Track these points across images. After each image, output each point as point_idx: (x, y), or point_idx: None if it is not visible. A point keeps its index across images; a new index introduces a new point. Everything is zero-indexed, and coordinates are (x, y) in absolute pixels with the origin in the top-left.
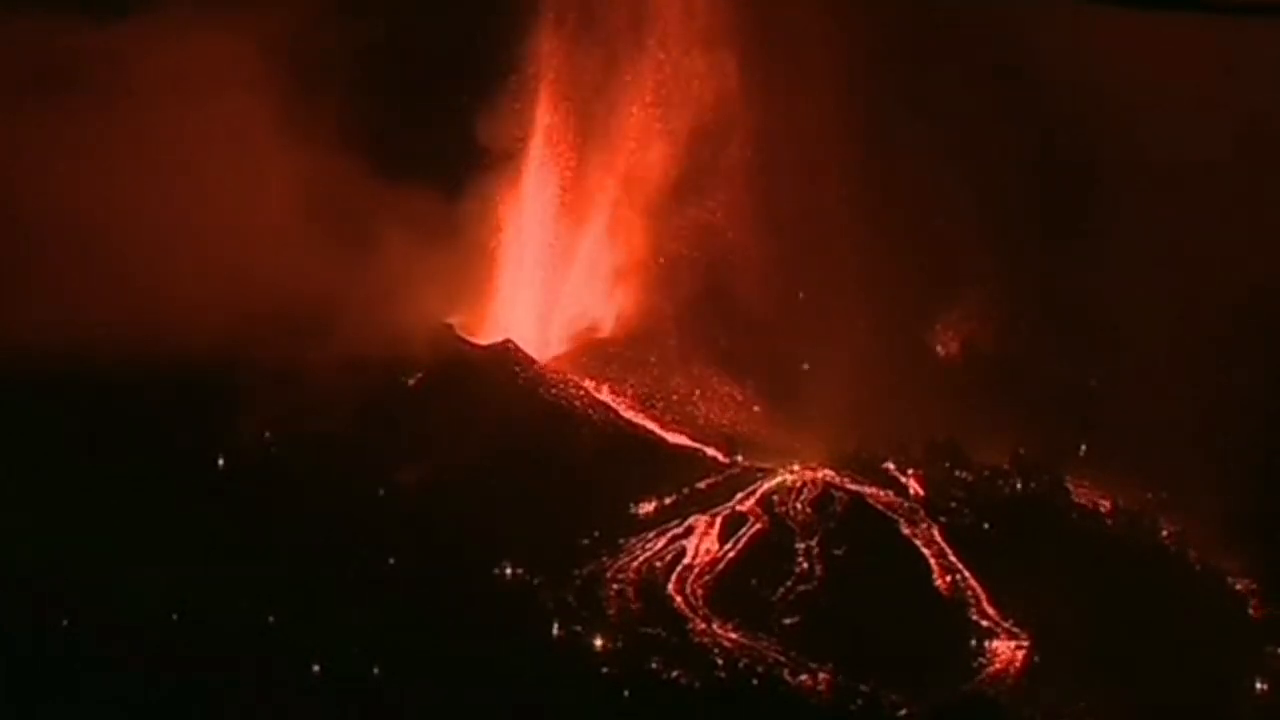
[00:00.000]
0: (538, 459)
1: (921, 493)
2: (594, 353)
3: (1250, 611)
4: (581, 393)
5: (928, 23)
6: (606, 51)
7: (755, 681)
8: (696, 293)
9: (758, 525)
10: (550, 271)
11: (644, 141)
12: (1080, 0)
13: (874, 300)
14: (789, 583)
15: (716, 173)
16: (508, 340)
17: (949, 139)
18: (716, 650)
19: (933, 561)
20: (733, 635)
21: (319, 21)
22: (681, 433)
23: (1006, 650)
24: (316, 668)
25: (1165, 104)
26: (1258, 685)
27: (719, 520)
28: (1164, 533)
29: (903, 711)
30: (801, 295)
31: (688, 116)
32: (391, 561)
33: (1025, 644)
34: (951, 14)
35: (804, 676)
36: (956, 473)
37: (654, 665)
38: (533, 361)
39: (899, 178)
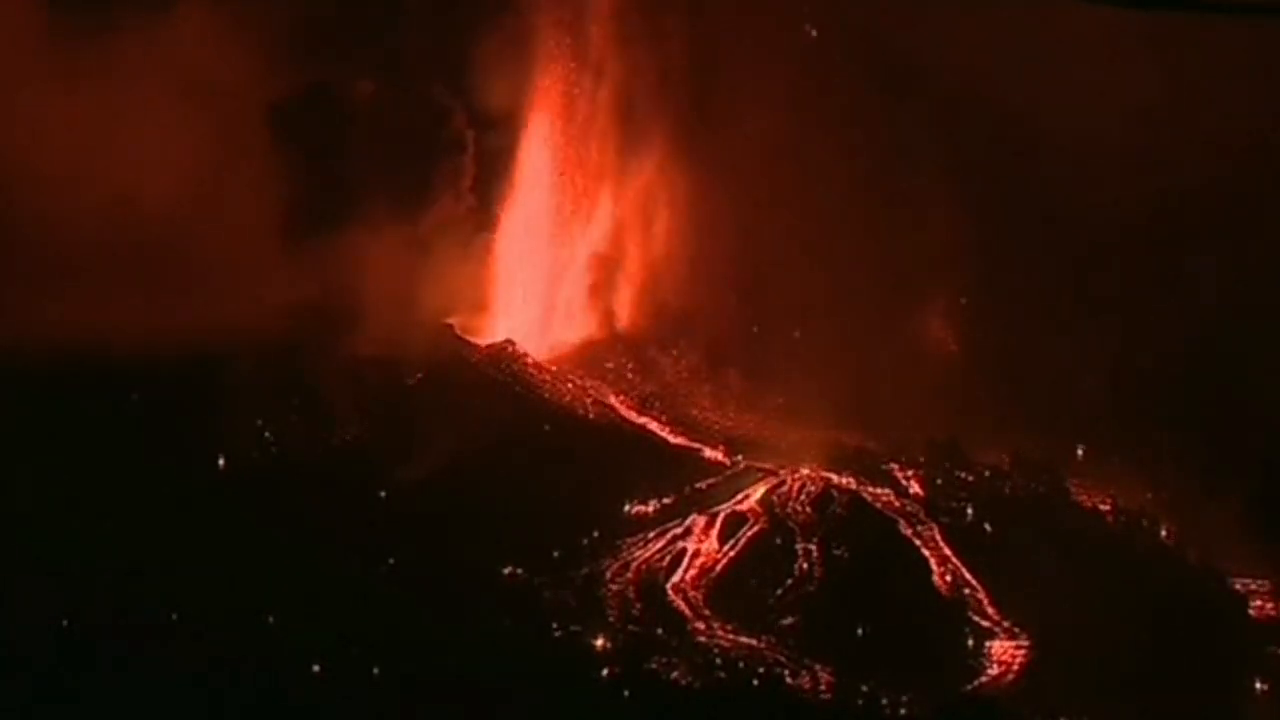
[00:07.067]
0: (538, 459)
1: (921, 493)
2: (594, 353)
3: (1250, 611)
4: (581, 393)
5: (917, 25)
6: (606, 54)
7: (755, 681)
8: (697, 293)
9: (758, 525)
10: (550, 271)
11: (645, 143)
12: (1080, 0)
13: (874, 300)
14: (789, 583)
15: (717, 175)
16: (508, 340)
17: (949, 140)
18: (716, 650)
19: (933, 561)
20: (733, 635)
21: (319, 21)
22: (681, 433)
23: (1006, 650)
24: (316, 668)
25: (1163, 103)
26: (1258, 685)
27: (719, 520)
28: (1164, 533)
29: (903, 711)
30: (802, 296)
31: (687, 119)
32: (391, 561)
33: (1025, 644)
34: (939, 14)
35: (804, 676)
36: (956, 473)
37: (654, 665)
38: (533, 361)
39: (897, 179)
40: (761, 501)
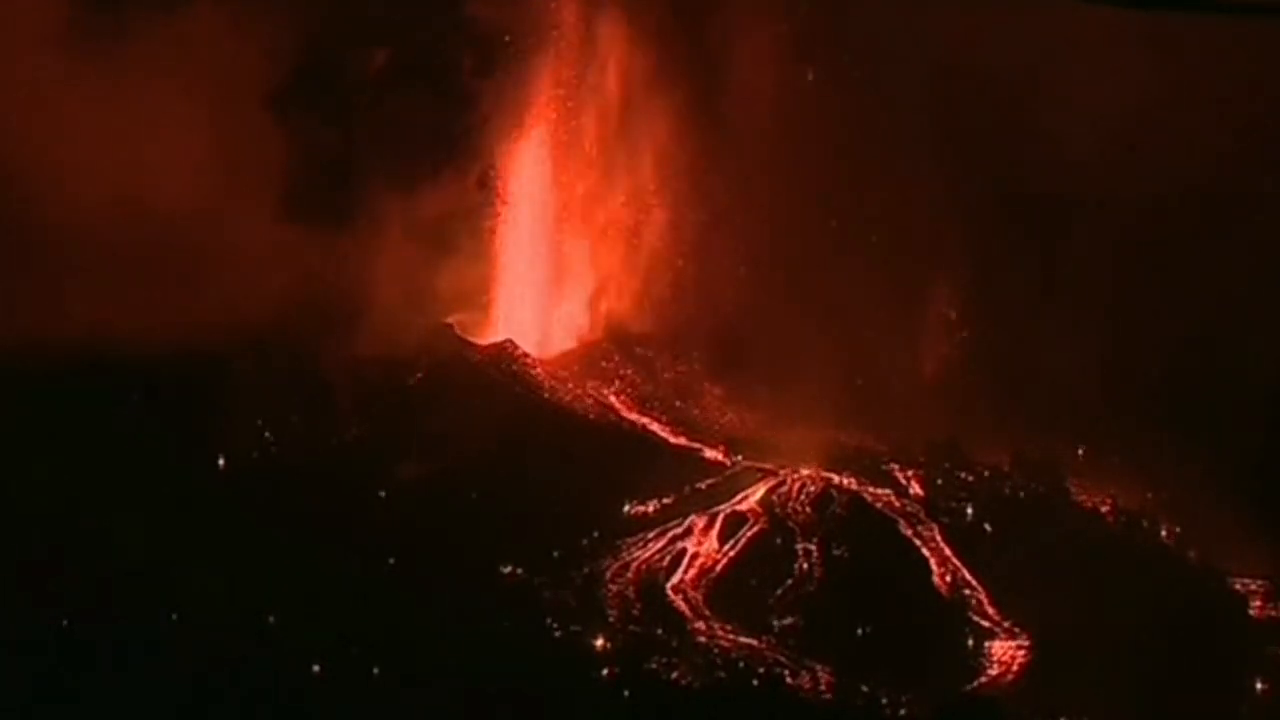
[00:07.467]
0: (537, 459)
1: (921, 493)
2: (594, 353)
3: (1250, 611)
4: (581, 393)
5: (917, 25)
6: (606, 54)
7: (755, 681)
8: (697, 293)
9: (758, 525)
10: (550, 271)
11: (646, 143)
12: (1080, 0)
13: (874, 300)
14: (789, 583)
15: (717, 175)
16: (508, 340)
17: (949, 141)
18: (716, 650)
19: (933, 561)
20: (733, 635)
21: (319, 24)
22: (681, 433)
23: (1006, 650)
24: (316, 668)
25: (1164, 102)
26: (1258, 685)
27: (719, 520)
28: (1164, 533)
29: (903, 712)
30: (803, 296)
31: (687, 120)
32: (391, 561)
33: (1025, 644)
34: (939, 14)
35: (804, 676)
36: (956, 473)
37: (654, 665)
38: (533, 361)
39: (897, 179)
40: (761, 501)
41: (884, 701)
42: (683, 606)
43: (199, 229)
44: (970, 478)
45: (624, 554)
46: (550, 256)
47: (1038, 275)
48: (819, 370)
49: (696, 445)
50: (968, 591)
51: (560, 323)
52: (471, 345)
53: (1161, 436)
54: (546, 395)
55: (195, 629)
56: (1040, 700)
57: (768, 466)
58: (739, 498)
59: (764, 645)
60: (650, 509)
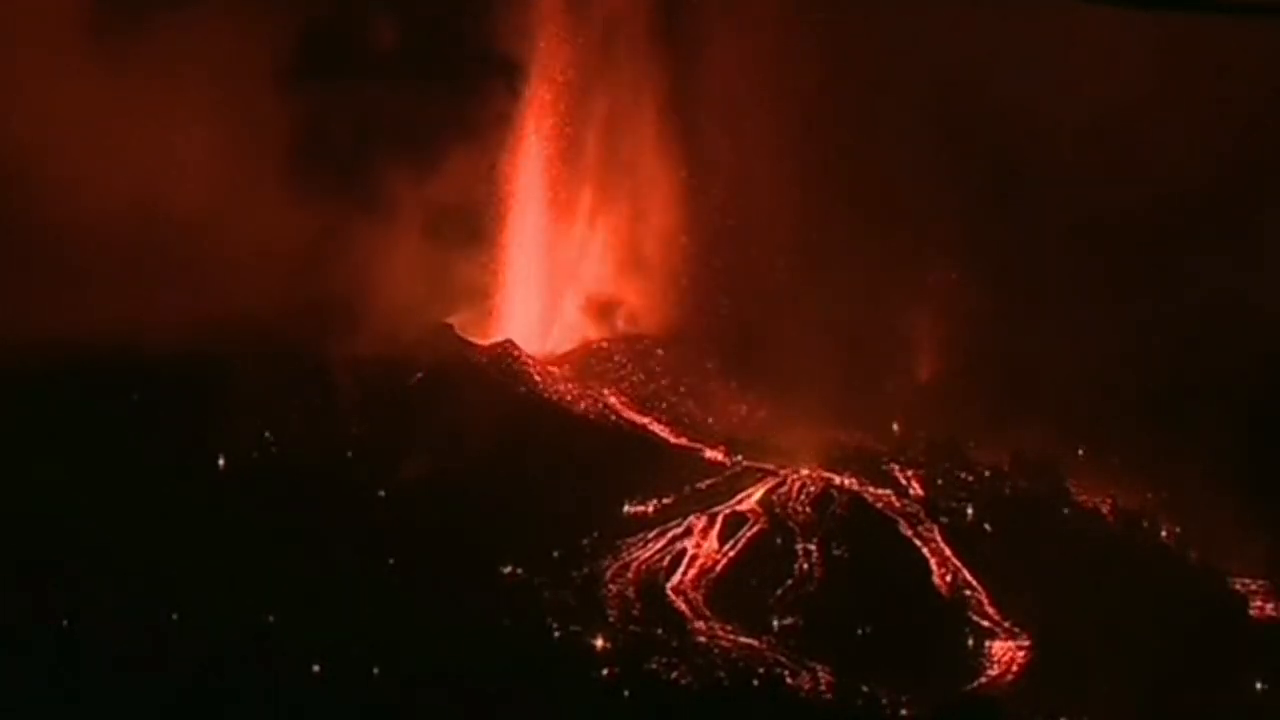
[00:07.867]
0: (538, 459)
1: (921, 493)
2: (594, 353)
3: (1250, 611)
4: (581, 393)
5: (915, 21)
6: (607, 52)
7: (755, 681)
8: (697, 293)
9: (758, 525)
10: (550, 271)
11: (646, 143)
12: (1081, 0)
13: (875, 300)
14: (789, 583)
15: (717, 174)
16: (508, 340)
17: (950, 141)
18: (716, 650)
19: (933, 561)
20: (733, 635)
21: (321, 25)
22: (681, 433)
23: (1006, 650)
24: (316, 668)
25: (1164, 100)
26: (1258, 685)
27: (719, 520)
28: (1164, 533)
29: (903, 712)
30: (802, 296)
31: (688, 118)
32: (391, 561)
33: (1025, 644)
34: (938, 11)
35: (804, 676)
36: (956, 473)
37: (654, 665)
38: (533, 361)
39: (897, 180)
40: (761, 501)
41: (884, 701)
42: (683, 606)
43: (200, 230)
44: (970, 478)
45: (624, 554)
46: (551, 257)
47: (1038, 275)
48: (819, 370)
49: (696, 445)
50: (968, 591)
51: (560, 323)
52: (472, 345)
53: (1161, 436)
54: (546, 395)
55: (195, 629)
56: (1040, 700)
57: (768, 466)
58: (739, 498)
59: (764, 645)
60: (650, 509)
